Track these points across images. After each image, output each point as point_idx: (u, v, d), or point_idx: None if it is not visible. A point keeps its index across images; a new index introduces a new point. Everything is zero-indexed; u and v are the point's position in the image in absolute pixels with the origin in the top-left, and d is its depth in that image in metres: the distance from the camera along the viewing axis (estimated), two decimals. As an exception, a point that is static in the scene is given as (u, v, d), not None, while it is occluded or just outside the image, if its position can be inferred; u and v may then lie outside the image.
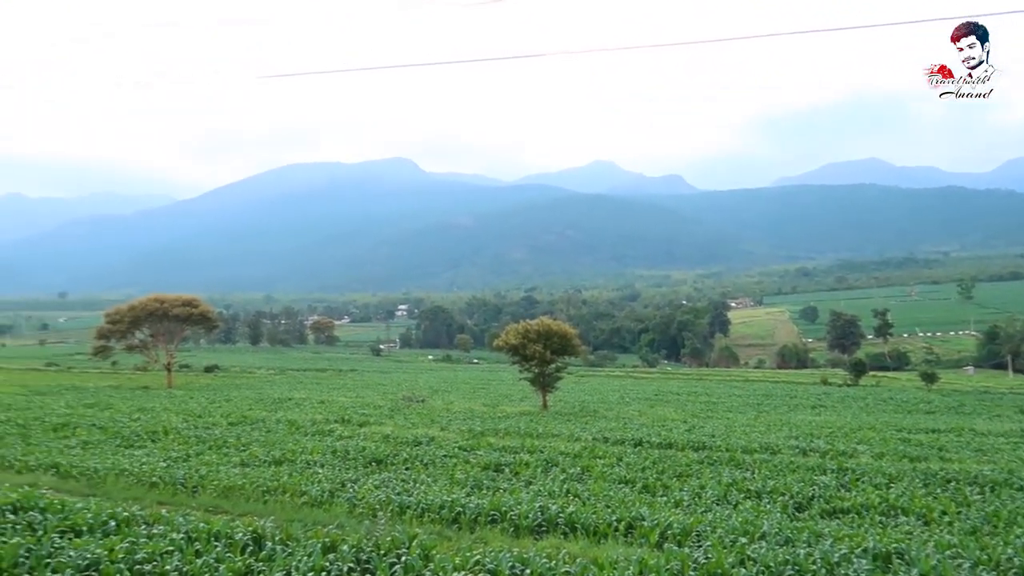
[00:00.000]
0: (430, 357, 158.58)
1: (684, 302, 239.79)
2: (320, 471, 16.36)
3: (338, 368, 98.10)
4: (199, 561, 8.44)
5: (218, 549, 8.96)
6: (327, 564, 8.52)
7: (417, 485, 14.72)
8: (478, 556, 8.90)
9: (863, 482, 16.29)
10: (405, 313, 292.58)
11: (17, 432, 23.08)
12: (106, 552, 8.50)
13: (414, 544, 9.30)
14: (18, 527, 9.79)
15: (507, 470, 17.27)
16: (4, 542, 8.70)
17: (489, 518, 12.18)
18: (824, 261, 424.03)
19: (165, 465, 16.74)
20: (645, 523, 11.61)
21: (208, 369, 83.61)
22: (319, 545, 9.13)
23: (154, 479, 15.14)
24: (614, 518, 11.91)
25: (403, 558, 8.81)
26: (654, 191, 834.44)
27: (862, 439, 25.52)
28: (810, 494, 14.81)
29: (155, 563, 8.34)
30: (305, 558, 8.62)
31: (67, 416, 28.06)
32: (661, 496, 14.61)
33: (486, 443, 21.85)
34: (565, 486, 15.17)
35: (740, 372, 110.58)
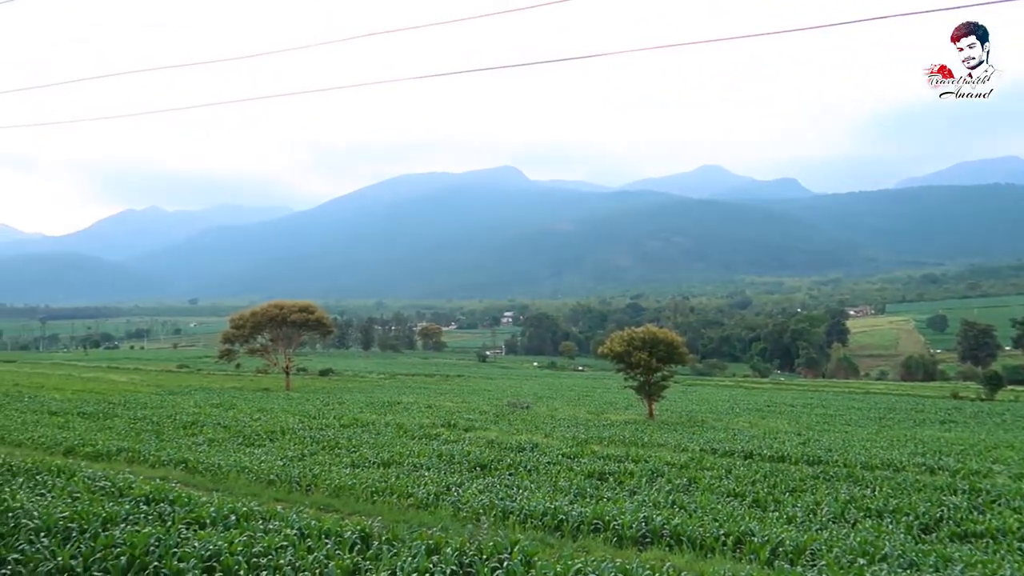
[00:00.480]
0: (535, 363, 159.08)
1: (799, 310, 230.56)
2: (426, 474, 16.69)
3: (445, 373, 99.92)
4: (311, 557, 8.76)
5: (328, 546, 9.28)
6: (431, 566, 8.66)
7: (520, 491, 14.76)
8: (579, 565, 8.83)
9: (999, 504, 15.10)
10: (510, 320, 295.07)
11: (152, 429, 24.79)
12: (226, 544, 8.96)
13: (516, 550, 9.32)
14: (150, 517, 10.48)
15: (611, 479, 17.06)
16: (138, 531, 9.32)
17: (592, 527, 12.07)
18: (953, 267, 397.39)
19: (282, 464, 17.52)
20: (755, 539, 11.18)
21: (323, 373, 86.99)
22: (423, 547, 9.29)
23: (272, 477, 15.86)
24: (722, 532, 11.55)
25: (505, 563, 8.85)
26: (766, 195, 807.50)
27: (998, 458, 23.66)
28: (938, 515, 13.85)
29: (270, 557, 8.72)
30: (410, 559, 8.80)
31: (195, 415, 29.88)
32: (772, 511, 14.05)
33: (590, 451, 21.70)
34: (671, 497, 14.84)
35: (860, 384, 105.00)
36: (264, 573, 8.16)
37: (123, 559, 8.38)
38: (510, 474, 17.28)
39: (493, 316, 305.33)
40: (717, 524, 12.03)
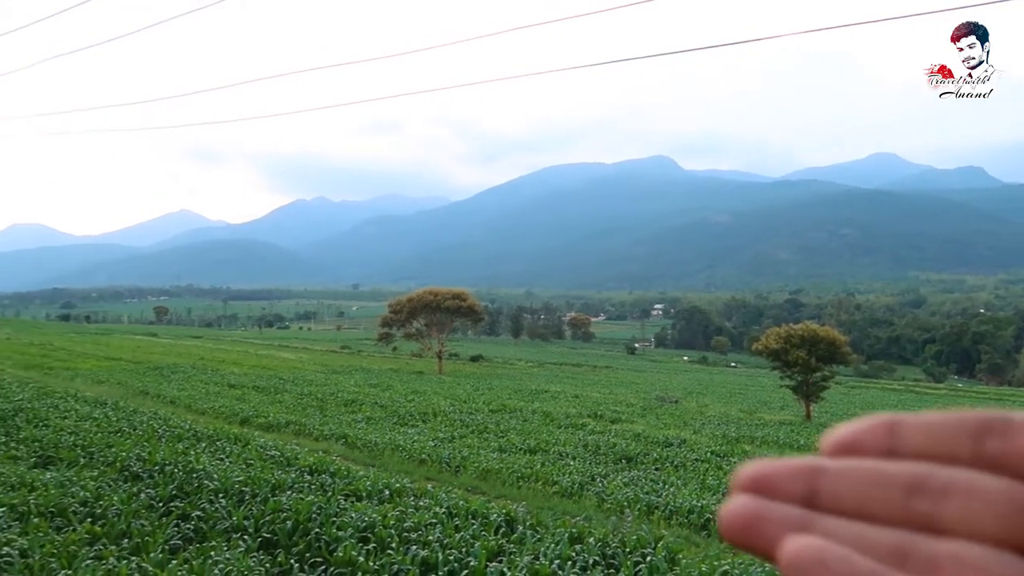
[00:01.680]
0: (685, 358, 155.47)
1: (981, 311, 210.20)
2: (571, 463, 16.76)
3: (593, 364, 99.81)
4: (458, 536, 9.03)
5: (474, 527, 9.53)
6: (573, 554, 8.68)
7: (666, 486, 14.50)
8: (727, 567, 8.55)
9: None
10: (660, 312, 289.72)
11: (316, 405, 26.53)
12: (380, 517, 9.42)
13: (660, 545, 9.15)
14: (312, 486, 11.21)
15: (763, 480, 16.37)
16: (302, 498, 10.00)
17: (741, 528, 11.63)
18: None
19: (433, 444, 18.19)
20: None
21: (474, 359, 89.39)
22: (567, 534, 9.33)
23: (423, 456, 16.52)
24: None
25: (648, 558, 8.71)
26: (946, 185, 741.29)
27: None
28: None
29: (420, 532, 9.08)
30: (553, 545, 8.86)
31: (355, 394, 31.64)
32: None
33: (741, 450, 20.95)
34: (828, 504, 14.03)
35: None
36: (414, 547, 8.49)
37: (288, 523, 9.01)
38: (656, 469, 17.01)
39: (643, 308, 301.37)
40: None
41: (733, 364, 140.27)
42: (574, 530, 9.60)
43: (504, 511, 10.30)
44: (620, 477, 15.24)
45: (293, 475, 11.83)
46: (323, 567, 8.10)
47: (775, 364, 37.62)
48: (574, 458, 17.63)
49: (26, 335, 72.88)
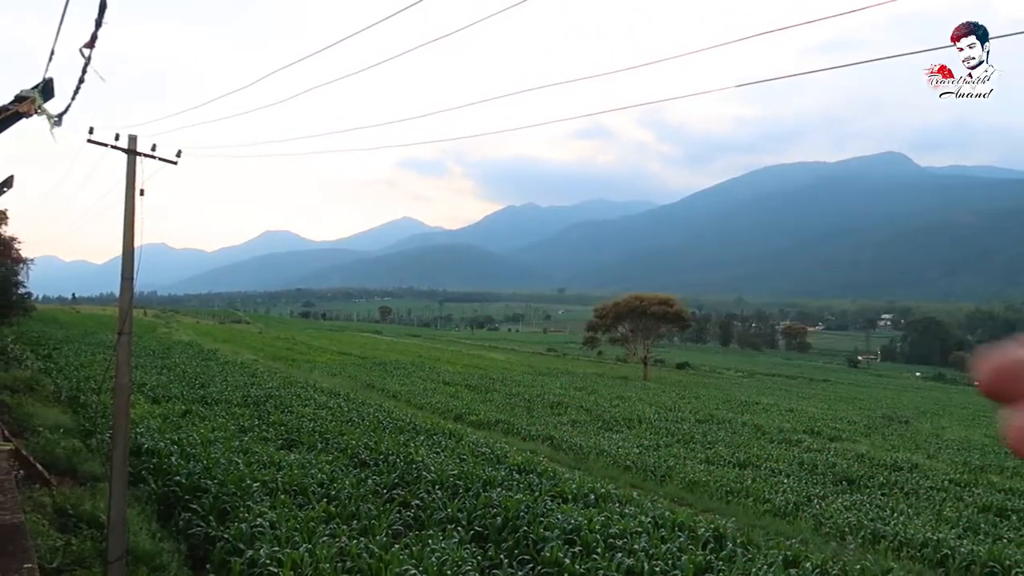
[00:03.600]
0: (917, 374, 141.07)
1: None
2: (785, 481, 15.86)
3: (809, 377, 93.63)
4: (664, 547, 8.88)
5: (681, 539, 9.32)
6: (788, 578, 8.21)
7: (895, 515, 13.25)
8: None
9: None
10: (889, 323, 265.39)
11: (524, 405, 27.33)
12: (586, 521, 9.51)
13: (888, 579, 8.40)
14: (520, 485, 11.57)
15: (1014, 517, 14.45)
16: (511, 496, 10.36)
17: (987, 569, 10.34)
18: None
19: (638, 451, 18.04)
20: None
21: (680, 366, 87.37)
22: (781, 556, 8.86)
23: (628, 463, 16.42)
24: None
25: (874, 591, 8.02)
26: None
27: None
28: None
29: (625, 540, 9.04)
30: (765, 567, 8.45)
31: (561, 396, 32.18)
32: None
33: (986, 480, 18.62)
34: (1100, 551, 12.07)
35: None
36: (619, 554, 8.48)
37: (498, 519, 9.37)
38: (883, 494, 15.60)
39: (867, 318, 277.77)
40: None
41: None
42: (789, 553, 9.09)
43: (712, 525, 9.98)
44: (840, 500, 14.17)
45: (503, 472, 12.28)
46: (531, 565, 8.32)
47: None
48: (788, 476, 16.66)
49: (274, 330, 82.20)
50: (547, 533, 8.96)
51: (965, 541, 11.50)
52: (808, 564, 8.70)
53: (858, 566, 8.73)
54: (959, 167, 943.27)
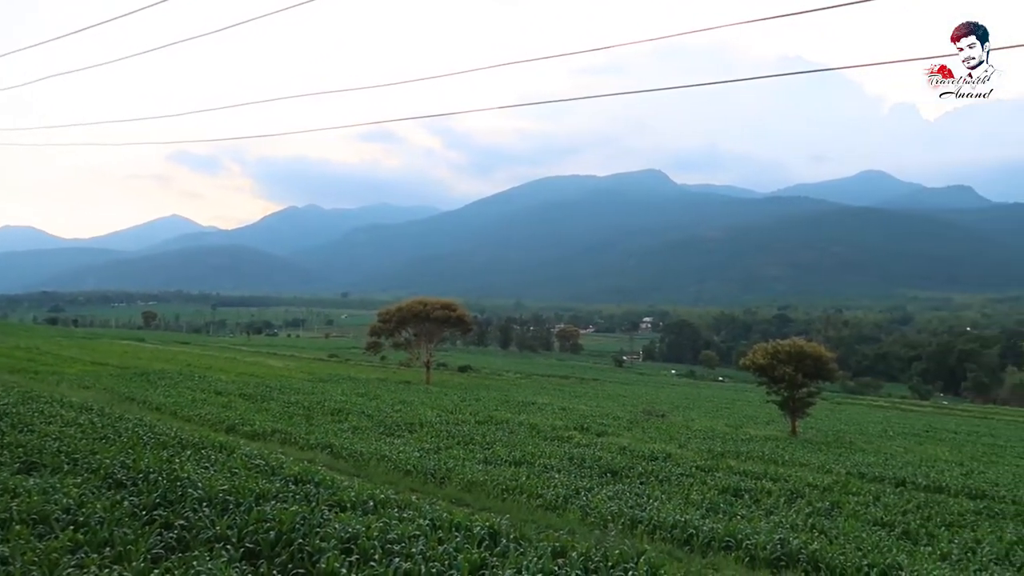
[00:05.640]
0: (673, 372, 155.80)
1: (968, 329, 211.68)
2: (556, 476, 16.78)
3: (580, 376, 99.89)
4: (441, 548, 9.04)
5: (458, 539, 9.54)
6: (555, 568, 8.71)
7: (651, 501, 14.54)
8: (708, 582, 8.60)
9: None
10: (649, 326, 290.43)
11: (303, 414, 26.47)
12: (364, 528, 9.43)
13: (642, 560, 9.20)
14: (297, 496, 11.20)
15: (747, 496, 16.47)
16: (286, 508, 9.99)
17: (723, 544, 11.70)
18: None
19: (418, 455, 18.18)
20: (903, 573, 10.45)
21: (462, 369, 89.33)
22: (550, 548, 9.37)
23: (408, 467, 16.51)
24: (865, 563, 10.85)
25: (630, 573, 8.76)
26: (935, 203, 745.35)
27: None
28: None
29: (403, 544, 9.09)
30: (536, 559, 8.88)
31: (342, 403, 31.58)
32: (924, 545, 13.07)
33: (726, 465, 21.03)
34: (810, 520, 14.14)
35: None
36: (397, 559, 8.51)
37: (272, 533, 9.01)
38: (641, 483, 17.05)
39: (632, 321, 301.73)
40: (860, 554, 11.34)
41: (721, 379, 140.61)
42: (557, 544, 9.63)
43: (488, 524, 10.32)
44: (605, 491, 15.27)
45: (278, 484, 11.82)
46: (305, 578, 8.11)
47: (762, 379, 37.80)
48: (559, 471, 17.65)
49: (12, 338, 72.30)
50: (323, 544, 8.78)
51: (707, 520, 12.92)
52: (574, 553, 9.28)
53: (617, 551, 9.47)
54: (709, 186, 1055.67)
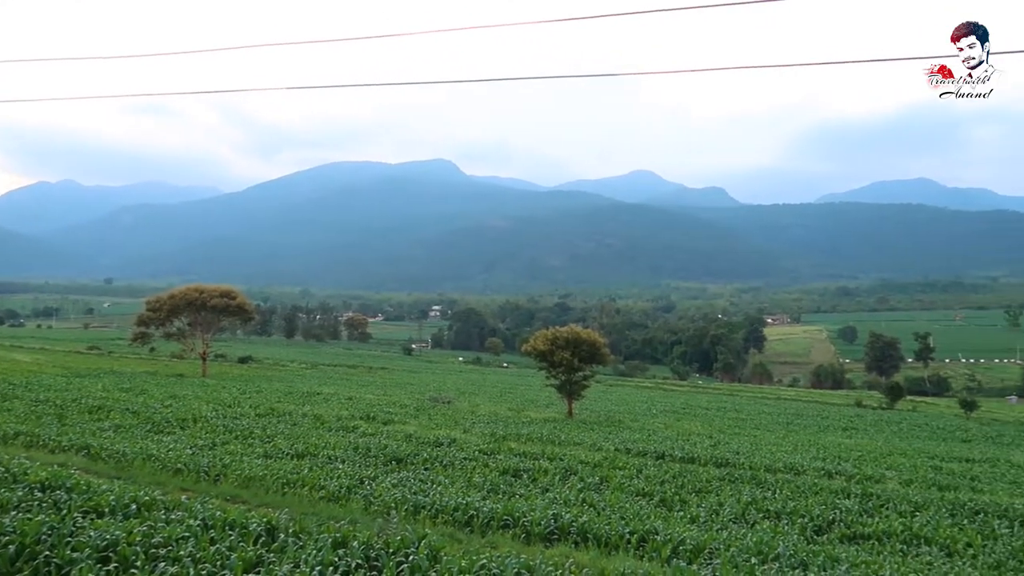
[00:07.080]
0: (460, 359, 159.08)
1: (720, 316, 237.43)
2: (340, 467, 16.56)
3: (369, 365, 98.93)
4: (212, 548, 8.62)
5: (232, 538, 9.14)
6: (336, 559, 8.63)
7: (434, 486, 14.82)
8: (484, 560, 8.96)
9: (887, 509, 16.01)
10: (438, 314, 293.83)
11: (54, 413, 23.75)
12: (124, 534, 8.72)
13: (423, 544, 9.37)
14: (44, 505, 10.10)
15: (525, 476, 17.31)
16: (29, 519, 8.97)
17: (502, 523, 12.23)
18: (867, 281, 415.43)
19: (191, 452, 17.09)
20: (658, 537, 11.55)
21: (242, 360, 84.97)
22: (330, 540, 9.26)
23: (179, 466, 15.46)
24: (627, 530, 11.87)
25: (411, 558, 8.89)
26: (695, 202, 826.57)
27: (891, 464, 25.03)
28: (831, 518, 14.61)
29: (170, 548, 8.55)
30: (315, 552, 8.75)
31: (103, 399, 28.78)
32: (678, 511, 14.54)
33: (507, 448, 21.92)
34: (582, 495, 15.17)
35: (772, 390, 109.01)
36: (162, 564, 7.99)
37: (11, 548, 8.08)
38: (426, 469, 17.31)
39: (421, 309, 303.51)
40: (623, 522, 12.38)
41: (505, 364, 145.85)
42: (338, 535, 9.54)
43: (265, 519, 9.98)
44: (389, 479, 15.33)
45: (20, 493, 10.57)
46: (53, 594, 7.36)
47: (542, 364, 39.80)
48: (344, 461, 17.43)
49: None
50: (75, 555, 8.01)
51: (488, 501, 13.43)
52: (355, 542, 9.25)
53: (399, 537, 9.57)
54: (496, 178, 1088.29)
